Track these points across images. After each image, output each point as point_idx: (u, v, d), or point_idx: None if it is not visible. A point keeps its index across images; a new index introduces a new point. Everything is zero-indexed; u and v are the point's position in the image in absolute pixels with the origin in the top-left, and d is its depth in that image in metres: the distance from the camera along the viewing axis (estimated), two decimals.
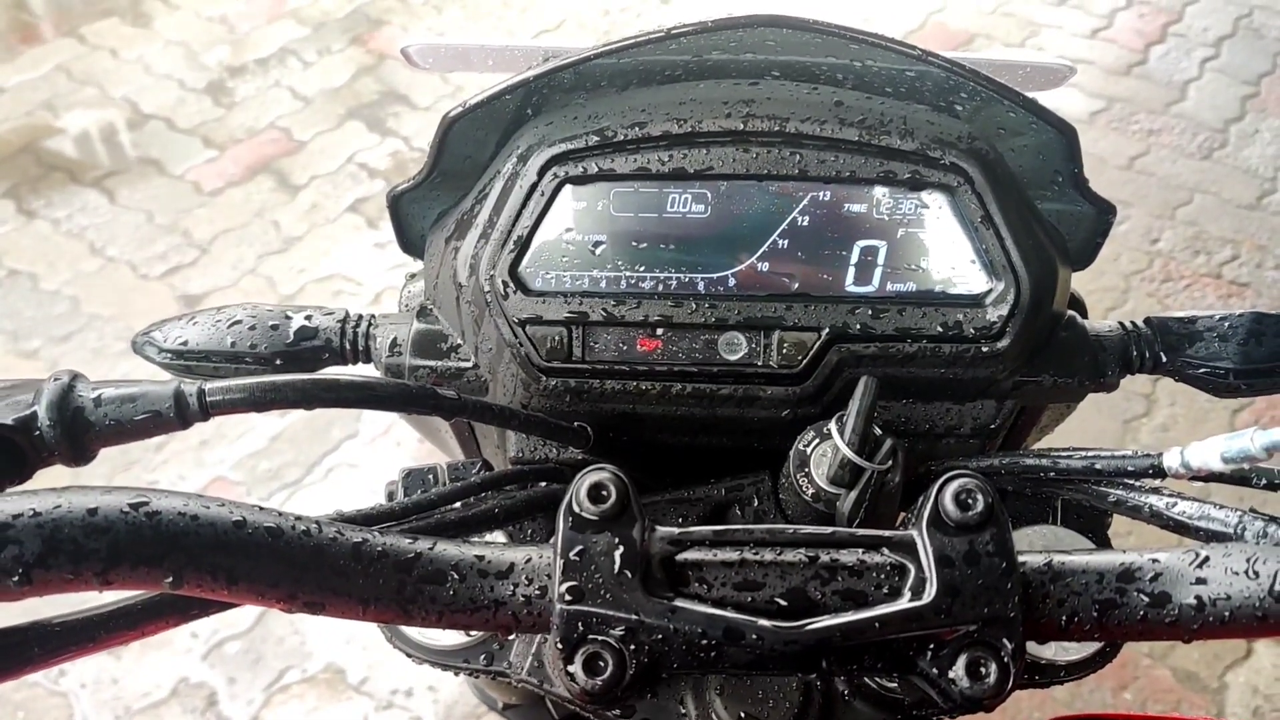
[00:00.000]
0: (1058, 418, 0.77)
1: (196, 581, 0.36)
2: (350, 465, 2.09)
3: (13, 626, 0.39)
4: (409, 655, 0.58)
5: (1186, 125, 2.82)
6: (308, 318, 0.60)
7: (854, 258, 0.59)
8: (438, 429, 0.72)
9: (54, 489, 0.35)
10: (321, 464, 2.09)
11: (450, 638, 0.58)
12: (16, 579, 0.33)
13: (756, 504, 0.61)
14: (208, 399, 0.44)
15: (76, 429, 0.43)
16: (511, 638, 0.58)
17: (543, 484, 0.58)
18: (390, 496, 0.58)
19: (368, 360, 0.62)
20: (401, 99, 2.92)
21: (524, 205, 0.56)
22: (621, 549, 0.41)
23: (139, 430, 0.43)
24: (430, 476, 0.57)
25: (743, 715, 0.54)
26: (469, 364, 0.60)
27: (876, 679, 0.57)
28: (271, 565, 0.37)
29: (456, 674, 0.59)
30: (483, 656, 0.58)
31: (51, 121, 2.86)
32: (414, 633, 0.58)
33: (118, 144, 2.81)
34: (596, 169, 0.56)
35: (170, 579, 0.35)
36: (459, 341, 0.61)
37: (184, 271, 2.47)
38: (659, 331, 0.58)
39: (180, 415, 0.44)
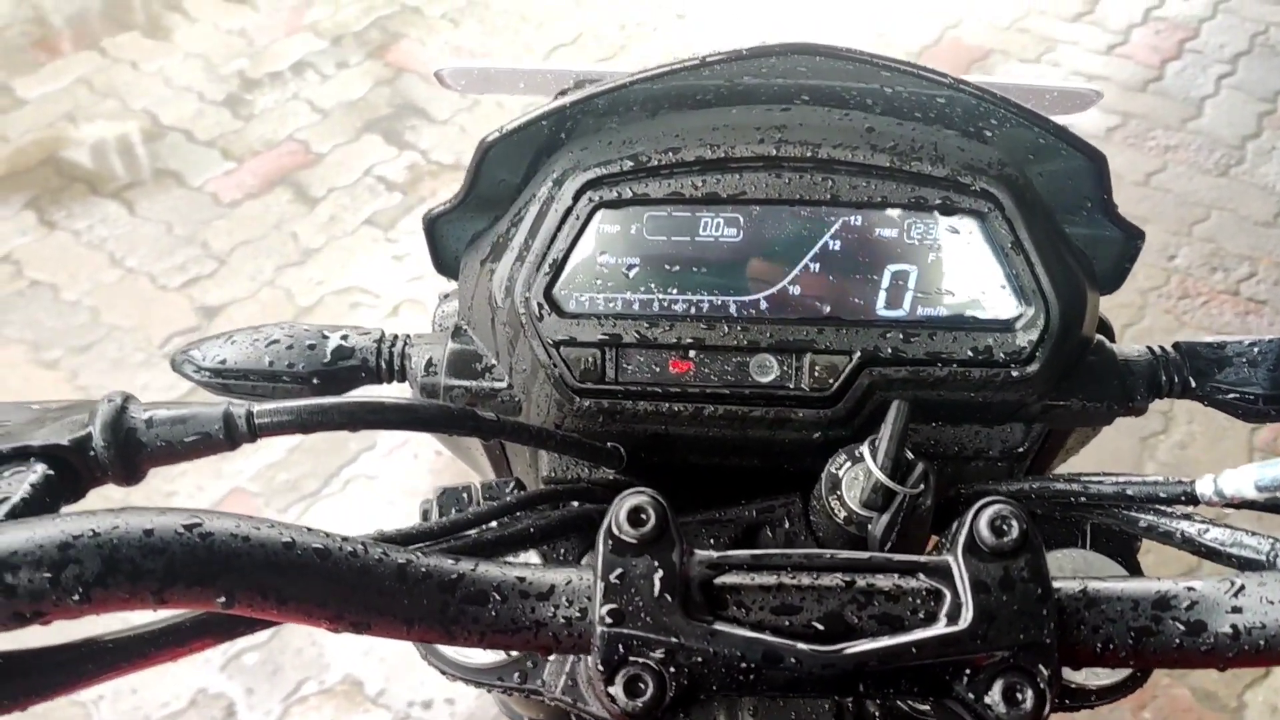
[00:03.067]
0: (1083, 440, 0.77)
1: (248, 601, 0.37)
2: (368, 477, 2.10)
3: (67, 644, 0.39)
4: (444, 672, 0.58)
5: (1203, 142, 2.82)
6: (344, 337, 0.61)
7: (885, 282, 0.59)
8: (468, 447, 0.73)
9: (111, 510, 0.36)
10: (339, 475, 2.10)
11: (484, 656, 0.58)
12: (77, 597, 0.34)
13: (788, 525, 0.61)
14: (256, 421, 0.45)
15: (129, 450, 0.43)
16: (545, 657, 0.59)
17: (575, 504, 0.59)
18: (425, 515, 0.59)
19: (403, 380, 0.63)
20: (419, 112, 2.94)
21: (559, 229, 0.57)
22: (661, 572, 0.41)
23: (189, 451, 0.44)
24: (465, 495, 0.58)
25: None
26: (503, 384, 0.61)
27: (910, 703, 0.57)
28: (320, 586, 0.38)
29: (489, 691, 0.60)
30: (516, 675, 0.58)
31: (72, 133, 2.89)
32: (449, 650, 0.58)
33: (137, 156, 2.84)
34: (630, 193, 0.57)
35: (223, 599, 0.36)
36: (493, 362, 0.62)
37: (202, 283, 2.49)
38: (691, 354, 0.58)
39: (229, 437, 0.44)
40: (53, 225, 2.64)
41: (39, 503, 0.40)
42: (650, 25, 3.24)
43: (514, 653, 0.59)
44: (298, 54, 3.14)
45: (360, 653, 1.84)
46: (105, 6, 3.35)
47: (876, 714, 0.57)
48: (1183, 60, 3.06)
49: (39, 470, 0.41)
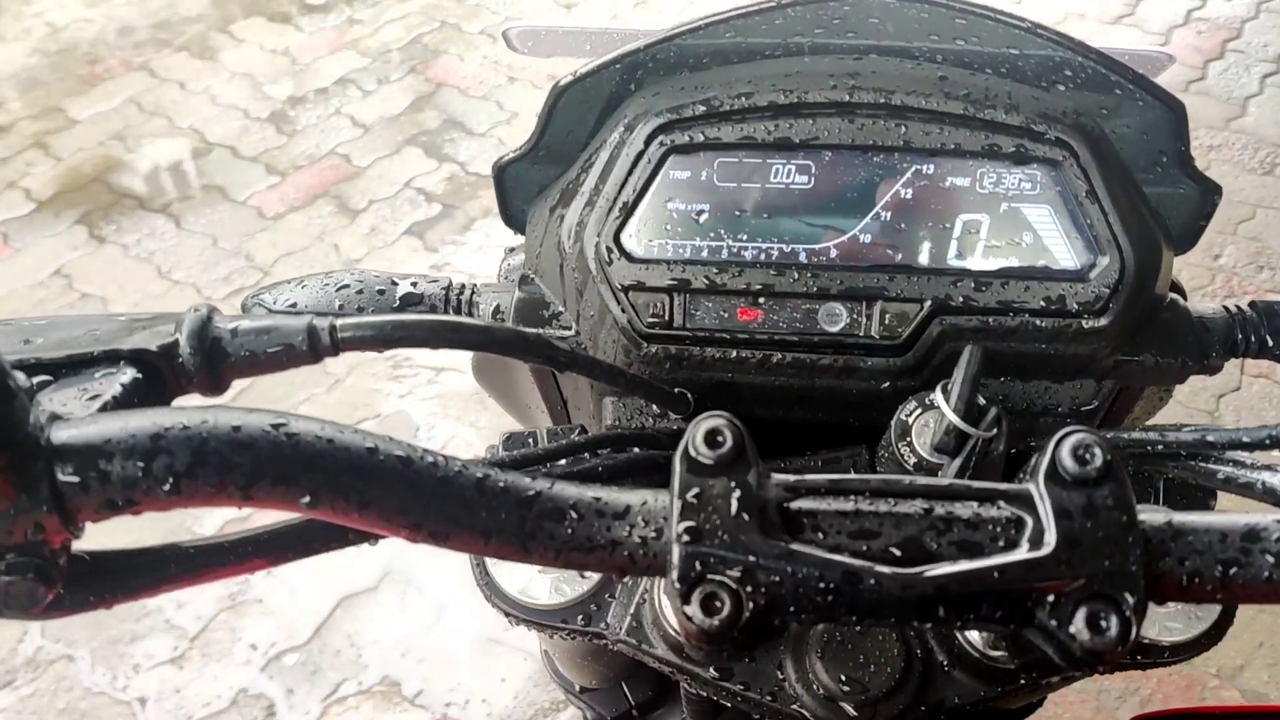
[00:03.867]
0: (1150, 409, 0.75)
1: (330, 503, 0.37)
2: None
3: (151, 547, 0.40)
4: (507, 614, 0.58)
5: (1247, 141, 2.78)
6: (413, 284, 0.62)
7: (956, 231, 0.59)
8: (526, 404, 0.73)
9: (200, 407, 0.36)
10: None
11: (548, 598, 0.58)
12: (167, 488, 0.34)
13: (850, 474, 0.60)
14: (339, 334, 0.45)
15: (214, 358, 0.44)
16: (609, 598, 0.58)
17: (637, 450, 0.58)
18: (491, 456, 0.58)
19: None
20: (458, 125, 2.98)
21: (630, 173, 0.57)
22: (738, 493, 0.40)
23: (272, 362, 0.44)
24: (530, 439, 0.57)
25: (843, 678, 0.53)
26: (570, 331, 0.61)
27: (977, 649, 0.56)
28: (401, 492, 0.38)
29: (552, 635, 0.59)
30: (580, 617, 0.58)
31: (122, 152, 2.96)
32: (513, 591, 0.58)
33: (184, 172, 2.89)
34: (702, 138, 0.57)
35: (307, 498, 0.36)
36: (560, 309, 0.62)
37: (247, 293, 2.53)
38: (760, 300, 0.58)
39: (312, 349, 0.44)
40: (103, 240, 2.70)
41: (129, 403, 0.40)
42: None
43: (578, 593, 0.58)
44: (340, 71, 3.20)
45: (398, 654, 1.84)
46: (154, 29, 3.43)
47: (944, 660, 0.56)
48: (1225, 60, 3.03)
49: (128, 374, 0.41)
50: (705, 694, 0.58)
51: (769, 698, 0.55)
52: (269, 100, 3.10)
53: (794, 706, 0.55)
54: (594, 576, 0.59)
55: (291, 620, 1.89)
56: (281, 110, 3.06)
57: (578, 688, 0.80)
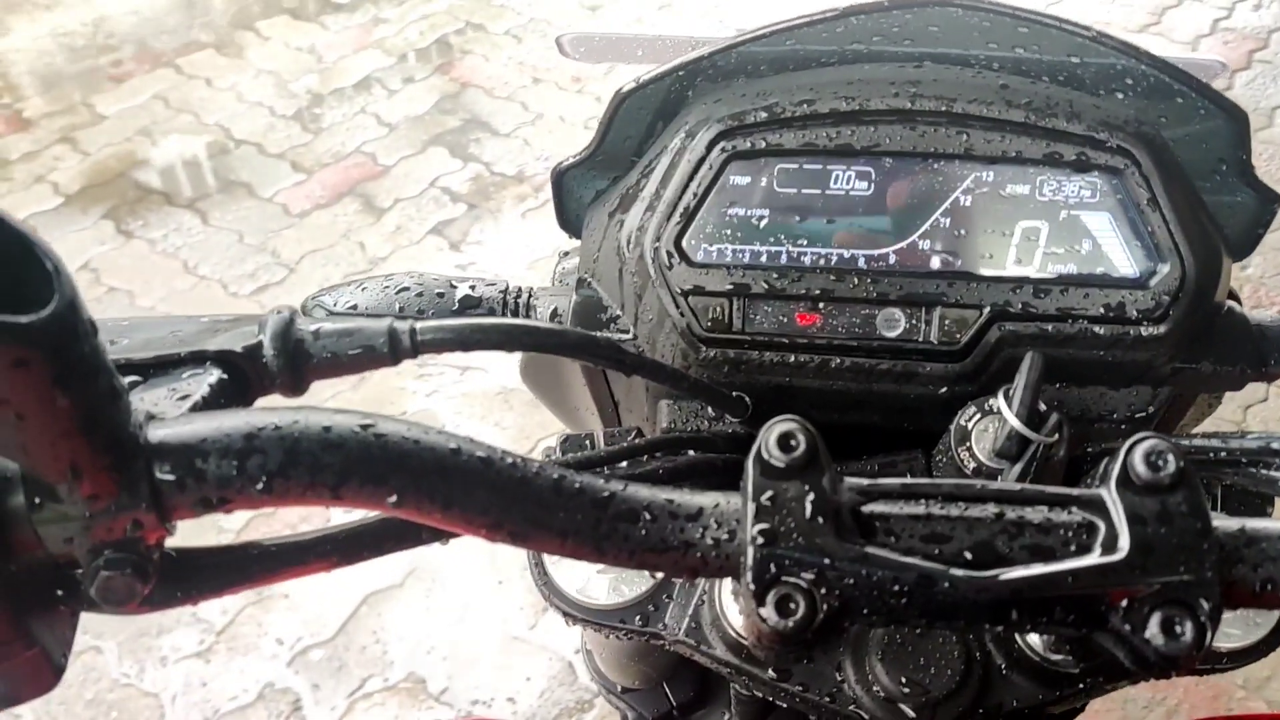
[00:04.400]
0: (1199, 416, 0.75)
1: (416, 503, 0.37)
2: None
3: (232, 545, 0.40)
4: (565, 614, 0.58)
5: (1275, 151, 2.77)
6: (471, 287, 0.62)
7: (1016, 238, 0.59)
8: (576, 406, 0.73)
9: (290, 407, 0.36)
10: None
11: (606, 598, 0.58)
12: (260, 486, 0.35)
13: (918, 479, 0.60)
14: (419, 337, 0.45)
15: (297, 359, 0.44)
16: (667, 599, 0.59)
17: (692, 453, 0.59)
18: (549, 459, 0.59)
19: None
20: (483, 125, 2.99)
21: (691, 178, 0.58)
22: (812, 496, 0.41)
23: (353, 364, 0.45)
24: (588, 442, 0.58)
25: (904, 680, 0.53)
26: (628, 335, 0.61)
27: (1038, 653, 0.56)
28: (483, 493, 0.38)
29: (608, 635, 0.59)
30: (638, 617, 0.58)
31: (149, 147, 2.99)
32: (571, 591, 0.58)
33: (210, 168, 2.92)
34: (764, 144, 0.58)
35: (394, 498, 0.36)
36: (618, 313, 0.62)
37: (272, 290, 2.54)
38: (819, 305, 0.58)
39: (393, 351, 0.45)
40: (129, 235, 2.72)
41: (216, 403, 0.41)
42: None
43: (637, 593, 0.58)
44: (365, 70, 3.22)
45: (424, 651, 1.85)
46: (180, 26, 3.46)
47: (1003, 664, 0.56)
48: (1252, 70, 3.01)
49: (214, 374, 0.42)
50: (760, 695, 0.58)
51: (827, 699, 0.55)
52: (294, 98, 3.12)
53: (852, 708, 0.55)
54: (652, 576, 0.59)
55: (317, 615, 1.90)
56: (307, 108, 3.08)
57: (619, 688, 0.81)
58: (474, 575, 1.94)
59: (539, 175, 2.79)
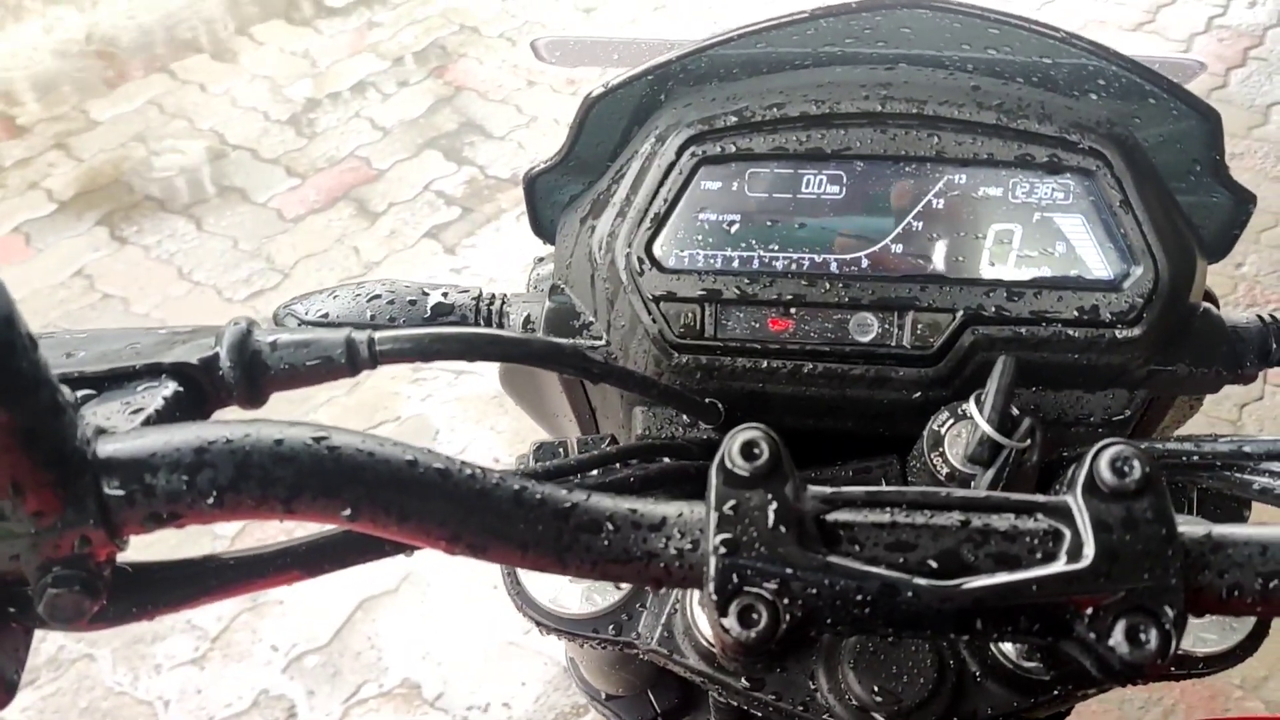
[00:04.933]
0: (1180, 417, 0.75)
1: (370, 516, 0.37)
2: None
3: (192, 559, 0.40)
4: (539, 624, 0.58)
5: (1269, 149, 2.76)
6: (444, 294, 0.62)
7: (989, 241, 0.59)
8: (555, 412, 0.73)
9: (242, 420, 0.36)
10: None
11: (579, 607, 0.58)
12: (211, 501, 0.34)
13: (885, 486, 0.60)
14: (377, 347, 0.45)
15: (254, 371, 0.44)
16: (640, 608, 0.58)
17: (667, 460, 0.58)
18: (522, 467, 0.58)
19: None
20: (477, 129, 2.99)
21: (661, 183, 0.57)
22: (775, 505, 0.40)
23: (311, 375, 0.44)
24: (560, 449, 0.57)
25: (876, 689, 0.53)
26: (601, 341, 0.61)
27: (1010, 660, 0.55)
28: (440, 505, 0.38)
29: (582, 645, 0.59)
30: (611, 627, 0.58)
31: (143, 153, 2.98)
32: (545, 601, 0.58)
33: (205, 174, 2.91)
34: (734, 149, 0.57)
35: (348, 511, 0.36)
36: (591, 319, 0.62)
37: (267, 295, 2.54)
38: (791, 311, 0.58)
39: (351, 362, 0.45)
40: (124, 241, 2.72)
41: (170, 417, 0.41)
42: None
43: (609, 602, 0.58)
44: (359, 74, 3.21)
45: (419, 656, 1.85)
46: (174, 31, 3.46)
47: (977, 672, 0.55)
48: (1248, 68, 3.01)
49: (170, 387, 0.41)
50: (736, 704, 0.58)
51: (800, 708, 0.55)
52: (289, 103, 3.12)
53: (825, 717, 0.55)
54: (625, 586, 0.59)
55: (312, 622, 1.90)
56: (301, 113, 3.08)
57: (603, 695, 0.81)
58: (468, 580, 1.94)
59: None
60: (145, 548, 0.36)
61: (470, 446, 2.17)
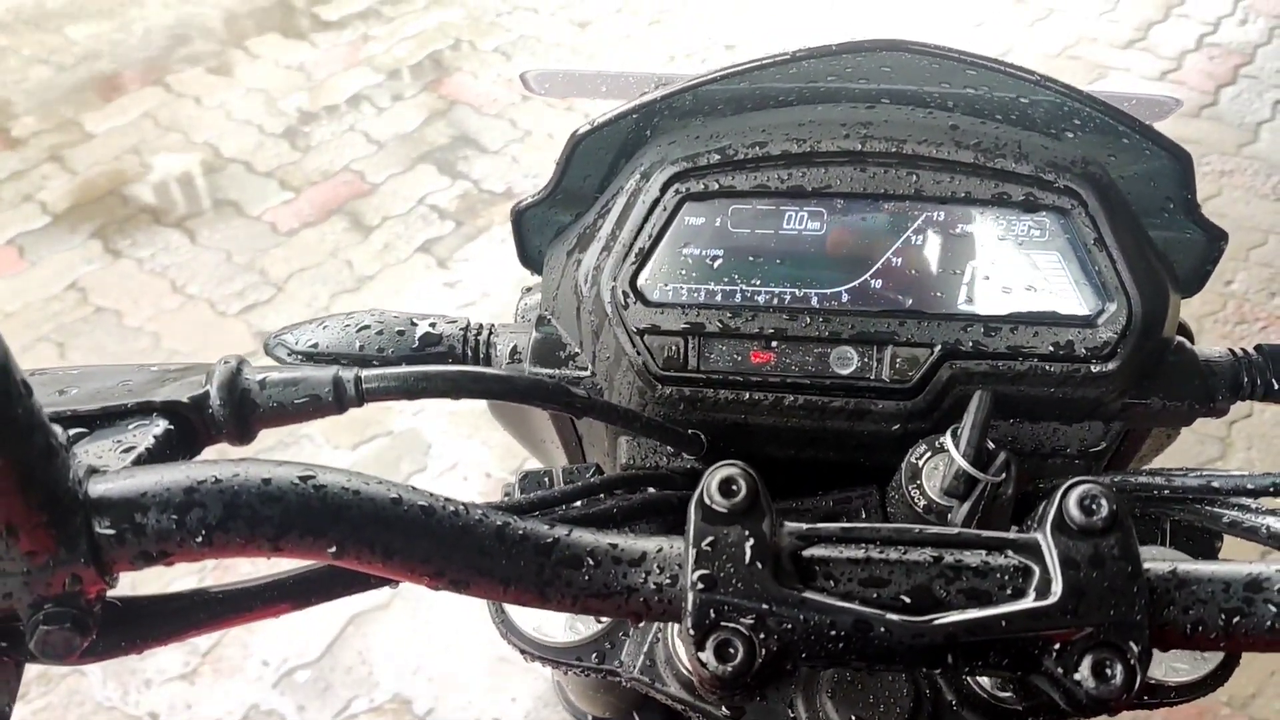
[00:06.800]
0: (1157, 448, 0.76)
1: (356, 553, 0.38)
2: None
3: (180, 593, 0.41)
4: (523, 651, 0.59)
5: (1260, 166, 2.78)
6: (432, 325, 0.63)
7: (967, 277, 0.60)
8: (542, 439, 0.74)
9: (230, 460, 0.37)
10: None
11: (563, 635, 0.59)
12: (200, 540, 0.35)
13: (864, 517, 0.61)
14: (364, 386, 0.46)
15: (243, 409, 0.45)
16: (623, 636, 0.59)
17: (652, 490, 0.59)
18: (507, 496, 0.59)
19: (488, 366, 0.64)
20: (471, 142, 3.00)
21: (646, 219, 0.58)
22: (752, 541, 0.41)
23: (299, 413, 0.45)
24: (546, 479, 0.58)
25: (854, 718, 0.54)
26: (586, 372, 0.62)
27: (986, 690, 0.56)
28: (424, 542, 0.39)
29: (566, 672, 0.60)
30: (594, 655, 0.59)
31: (137, 166, 2.99)
32: (529, 629, 0.59)
33: (199, 187, 2.92)
34: (717, 186, 0.58)
35: (334, 549, 0.37)
36: (577, 350, 0.63)
37: (260, 309, 2.55)
38: (773, 344, 0.59)
39: (338, 400, 0.46)
40: (117, 254, 2.72)
41: (161, 455, 0.42)
42: (699, 57, 3.28)
43: (592, 631, 0.59)
44: (354, 88, 3.23)
45: (410, 671, 1.85)
46: (170, 44, 3.47)
47: (953, 701, 0.56)
48: (1238, 85, 3.03)
49: (161, 425, 0.42)
50: None
51: None
52: (283, 116, 3.13)
53: None
54: (597, 621, 0.60)
55: (303, 637, 1.90)
56: (296, 126, 3.09)
57: (589, 718, 0.81)
58: (459, 597, 1.94)
59: (528, 192, 2.80)
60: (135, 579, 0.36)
61: (462, 461, 2.18)
